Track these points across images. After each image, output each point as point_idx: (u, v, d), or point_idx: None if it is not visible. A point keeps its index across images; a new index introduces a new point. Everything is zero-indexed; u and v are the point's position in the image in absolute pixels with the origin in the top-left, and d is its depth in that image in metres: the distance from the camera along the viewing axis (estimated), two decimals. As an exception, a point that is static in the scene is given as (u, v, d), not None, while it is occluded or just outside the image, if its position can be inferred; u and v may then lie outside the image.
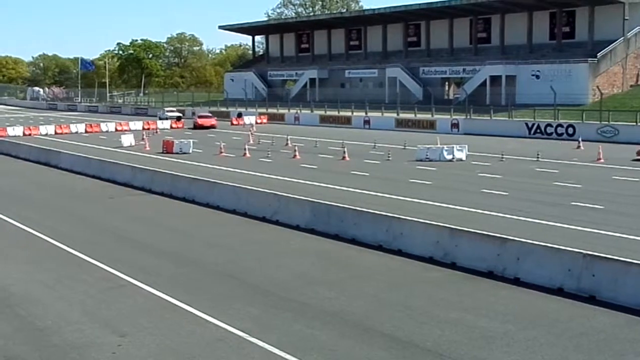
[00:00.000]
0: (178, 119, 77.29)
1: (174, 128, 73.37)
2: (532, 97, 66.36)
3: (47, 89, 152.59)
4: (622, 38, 73.71)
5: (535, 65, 74.78)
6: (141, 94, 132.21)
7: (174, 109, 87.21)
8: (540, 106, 62.44)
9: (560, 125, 54.76)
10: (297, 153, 43.47)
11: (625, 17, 73.00)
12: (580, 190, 29.30)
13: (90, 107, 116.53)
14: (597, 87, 64.06)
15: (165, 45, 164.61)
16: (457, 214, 24.25)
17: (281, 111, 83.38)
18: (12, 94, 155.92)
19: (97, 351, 12.47)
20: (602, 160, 38.59)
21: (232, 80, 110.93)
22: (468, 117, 63.36)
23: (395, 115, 69.89)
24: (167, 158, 44.48)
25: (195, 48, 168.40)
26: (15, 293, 16.20)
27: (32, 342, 13.03)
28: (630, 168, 35.83)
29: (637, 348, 12.32)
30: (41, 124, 74.52)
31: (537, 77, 73.29)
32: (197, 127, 70.43)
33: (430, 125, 63.35)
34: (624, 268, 14.52)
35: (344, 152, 42.54)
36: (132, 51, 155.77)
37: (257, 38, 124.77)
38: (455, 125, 61.33)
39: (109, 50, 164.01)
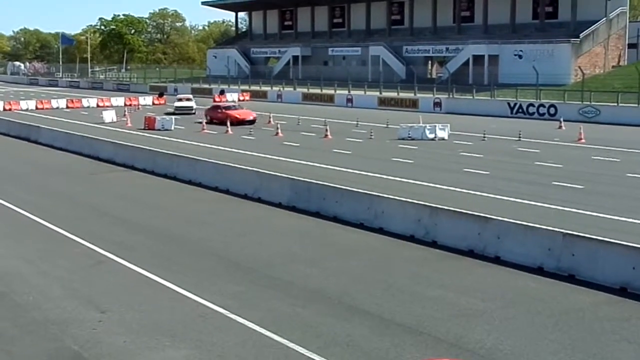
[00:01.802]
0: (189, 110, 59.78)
1: (156, 104, 72.98)
2: (515, 77, 66.37)
3: (28, 63, 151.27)
4: (604, 19, 73.88)
5: (517, 45, 74.79)
6: (123, 70, 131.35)
7: (189, 95, 67.51)
8: (523, 86, 62.53)
9: (542, 105, 54.91)
10: (279, 131, 43.39)
11: (608, -2, 73.18)
12: (560, 170, 29.45)
13: (71, 83, 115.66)
14: (579, 67, 64.20)
15: (147, 20, 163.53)
16: (438, 192, 24.32)
17: (264, 88, 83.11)
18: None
19: (78, 327, 12.47)
20: (583, 141, 38.75)
21: (215, 57, 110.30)
22: (450, 96, 63.41)
23: (377, 93, 69.84)
24: (149, 134, 44.27)
25: (178, 24, 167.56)
26: (-5, 269, 16.15)
27: (12, 318, 13.00)
28: (610, 148, 36.02)
29: (616, 326, 12.45)
30: (22, 99, 73.86)
31: (520, 57, 73.34)
32: (233, 121, 48.80)
33: (413, 104, 63.34)
34: (603, 247, 14.64)
35: (327, 130, 42.50)
36: (114, 26, 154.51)
37: (240, 14, 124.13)
38: (437, 104, 61.38)
39: (90, 26, 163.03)
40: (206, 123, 49.28)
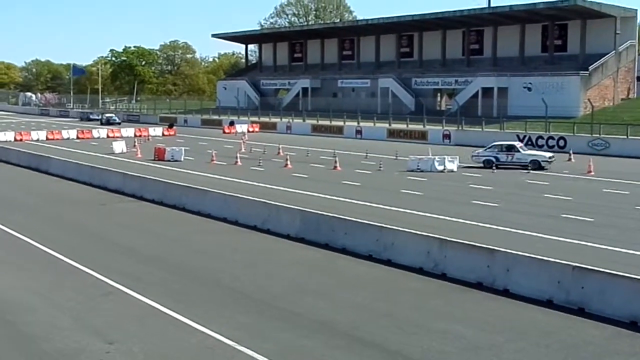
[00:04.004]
0: None
1: (166, 135, 73.27)
2: (524, 109, 66.54)
3: (39, 94, 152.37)
4: (613, 51, 74.10)
5: (527, 78, 75.03)
6: (133, 101, 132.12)
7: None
8: (532, 118, 62.62)
9: (551, 137, 54.92)
10: (288, 162, 43.48)
11: (617, 31, 73.41)
12: (570, 203, 29.39)
13: (82, 114, 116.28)
14: (589, 99, 64.28)
15: (158, 52, 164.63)
16: (447, 225, 24.28)
17: (273, 120, 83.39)
18: (4, 100, 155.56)
19: (86, 358, 12.45)
20: (592, 173, 38.71)
21: (225, 88, 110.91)
22: (460, 128, 63.50)
23: (387, 125, 70.00)
24: (158, 165, 44.41)
25: (188, 56, 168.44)
26: (4, 299, 16.14)
27: (21, 349, 12.99)
28: (620, 181, 35.95)
29: (625, 361, 12.37)
30: (33, 130, 74.36)
31: (529, 89, 73.54)
32: None
33: (422, 136, 63.47)
34: (613, 280, 14.57)
35: (336, 161, 42.57)
36: (124, 58, 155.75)
37: (250, 47, 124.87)
38: (446, 136, 61.48)
39: (101, 57, 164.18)
40: None
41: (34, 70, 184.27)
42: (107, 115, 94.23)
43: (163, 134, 73.90)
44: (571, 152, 47.37)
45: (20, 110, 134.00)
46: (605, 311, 14.41)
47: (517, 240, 21.48)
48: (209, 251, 21.18)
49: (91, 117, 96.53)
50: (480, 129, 62.99)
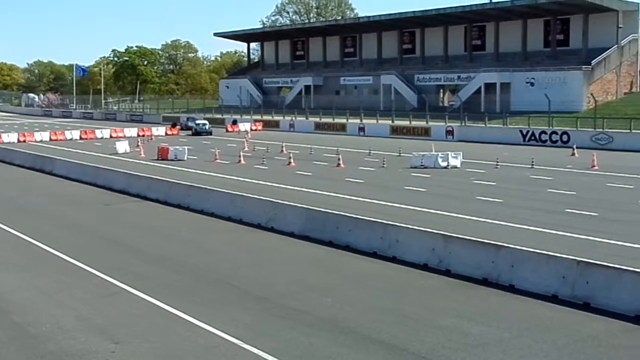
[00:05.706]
0: None
1: (169, 135, 73.28)
2: (527, 105, 66.52)
3: (42, 95, 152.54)
4: (616, 46, 74.02)
5: (529, 73, 74.97)
6: (136, 101, 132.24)
7: None
8: (535, 113, 62.60)
9: (554, 132, 54.93)
10: (292, 160, 43.47)
11: (619, 25, 73.32)
12: (574, 198, 29.36)
13: (85, 114, 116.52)
14: (592, 94, 64.24)
15: (160, 52, 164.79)
16: (451, 221, 24.27)
17: (276, 118, 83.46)
18: (7, 101, 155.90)
19: (92, 358, 12.45)
20: (596, 168, 38.67)
21: (227, 87, 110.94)
22: (463, 124, 63.47)
23: (390, 122, 70.01)
24: (162, 165, 44.42)
25: (190, 55, 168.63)
26: (10, 300, 16.16)
27: (26, 349, 13.00)
28: (624, 175, 35.90)
29: (632, 355, 12.35)
30: (36, 131, 74.34)
31: (532, 84, 73.48)
32: None
33: (425, 133, 63.45)
34: (618, 275, 14.55)
35: (339, 159, 42.55)
36: (127, 58, 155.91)
37: (252, 45, 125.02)
38: (450, 132, 61.44)
39: (104, 57, 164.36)
40: None
41: (36, 71, 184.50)
42: (199, 121, 76.06)
43: (166, 134, 73.94)
44: (575, 146, 47.32)
45: (23, 112, 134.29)
46: (611, 305, 14.38)
47: (522, 235, 21.46)
48: (213, 250, 21.19)
49: (189, 124, 76.32)
50: (484, 125, 62.97)
